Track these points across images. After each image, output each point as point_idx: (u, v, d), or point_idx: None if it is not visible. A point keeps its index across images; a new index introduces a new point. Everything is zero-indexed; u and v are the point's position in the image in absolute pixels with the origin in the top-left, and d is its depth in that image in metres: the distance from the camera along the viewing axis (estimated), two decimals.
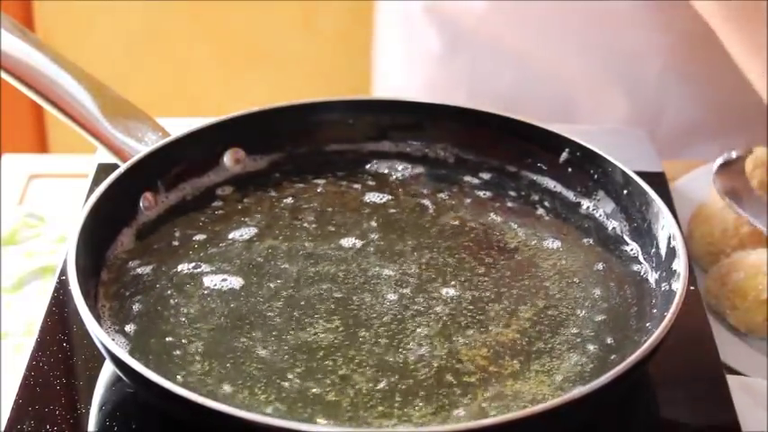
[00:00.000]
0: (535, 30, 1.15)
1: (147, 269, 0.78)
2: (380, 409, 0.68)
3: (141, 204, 0.82)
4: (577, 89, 1.16)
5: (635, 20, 1.11)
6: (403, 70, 1.27)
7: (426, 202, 0.85)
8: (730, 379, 0.75)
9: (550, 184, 0.86)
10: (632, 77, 1.15)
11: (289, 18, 1.97)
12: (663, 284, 0.76)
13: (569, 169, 0.86)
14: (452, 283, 0.77)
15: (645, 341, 0.68)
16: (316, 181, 0.87)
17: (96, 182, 0.88)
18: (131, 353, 0.70)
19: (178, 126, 0.85)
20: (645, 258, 0.79)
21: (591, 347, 0.73)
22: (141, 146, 0.83)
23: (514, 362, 0.71)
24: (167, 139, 0.84)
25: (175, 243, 0.81)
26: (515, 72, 1.17)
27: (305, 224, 0.82)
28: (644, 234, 0.80)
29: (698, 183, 0.99)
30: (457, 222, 0.83)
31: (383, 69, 1.31)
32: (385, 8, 1.29)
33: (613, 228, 0.82)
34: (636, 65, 1.14)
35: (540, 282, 0.78)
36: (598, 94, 1.15)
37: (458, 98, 1.18)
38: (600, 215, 0.84)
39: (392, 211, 0.84)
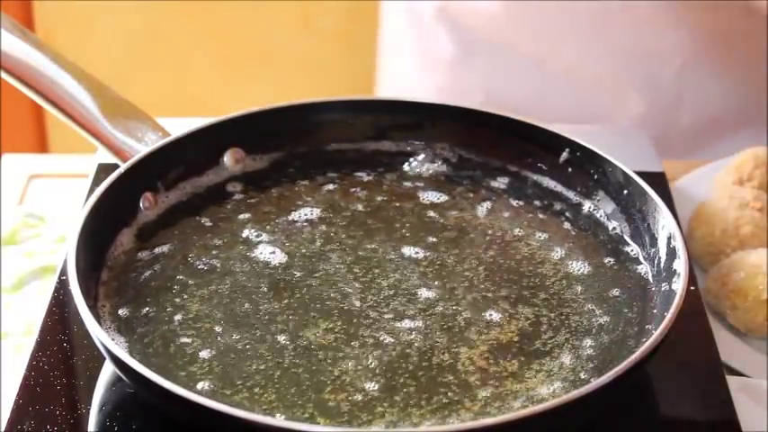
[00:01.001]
0: (550, 31, 1.14)
1: (165, 248, 0.79)
2: (380, 409, 0.68)
3: (141, 204, 0.82)
4: (594, 90, 1.15)
5: (652, 20, 1.11)
6: (413, 74, 1.25)
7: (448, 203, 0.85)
8: (730, 379, 0.75)
9: (551, 184, 0.86)
10: (649, 78, 1.14)
11: (289, 18, 1.97)
12: (663, 284, 0.76)
13: (569, 169, 0.86)
14: (451, 282, 0.77)
15: (645, 341, 0.68)
16: (359, 175, 0.88)
17: (96, 182, 0.88)
18: (131, 352, 0.70)
19: (178, 126, 0.85)
20: (645, 258, 0.79)
21: (591, 347, 0.73)
22: (141, 146, 0.83)
23: (514, 362, 0.71)
24: (167, 139, 0.84)
25: (208, 224, 0.82)
26: (531, 74, 1.16)
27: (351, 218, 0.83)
28: (644, 234, 0.80)
29: (698, 183, 0.99)
30: (461, 222, 0.83)
31: (391, 71, 1.30)
32: (392, 8, 1.28)
33: (614, 228, 0.82)
34: (653, 65, 1.13)
35: (542, 282, 0.78)
36: (615, 94, 1.15)
37: (472, 103, 1.17)
38: (600, 215, 0.84)
39: (454, 213, 0.84)
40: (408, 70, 1.26)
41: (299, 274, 0.77)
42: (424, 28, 1.21)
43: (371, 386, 0.69)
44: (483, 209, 0.85)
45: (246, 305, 0.75)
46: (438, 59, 1.21)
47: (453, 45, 1.19)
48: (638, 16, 1.11)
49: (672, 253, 0.76)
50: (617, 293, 0.77)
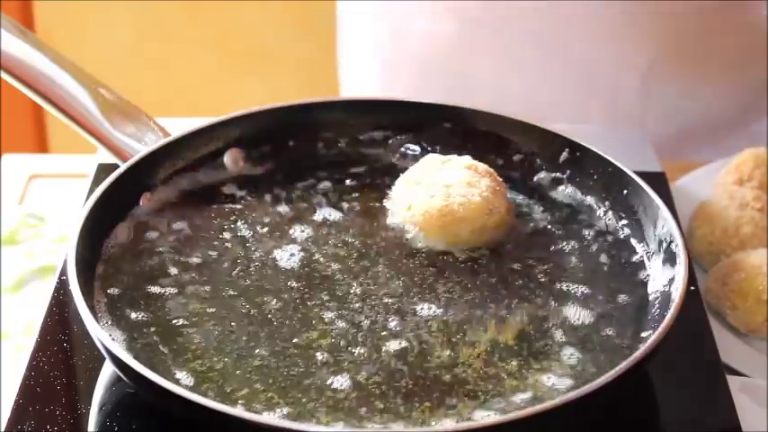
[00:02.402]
0: (512, 45, 1.13)
1: (163, 247, 0.79)
2: (380, 407, 0.68)
3: (141, 204, 0.82)
4: (556, 104, 1.14)
5: (613, 35, 1.10)
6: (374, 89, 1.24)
7: None
8: (730, 379, 0.75)
9: (550, 184, 0.86)
10: (611, 91, 1.14)
11: (289, 18, 1.97)
12: (663, 285, 0.75)
13: (569, 169, 0.86)
14: (451, 283, 0.77)
15: (645, 341, 0.68)
16: None
17: (96, 182, 0.88)
18: (131, 352, 0.70)
19: (178, 126, 0.85)
20: (645, 258, 0.79)
21: (591, 348, 0.72)
22: (141, 146, 0.83)
23: (513, 362, 0.71)
24: (167, 139, 0.84)
25: (207, 222, 0.82)
26: (491, 91, 1.15)
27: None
28: (644, 234, 0.80)
29: (698, 183, 0.99)
30: None
31: (352, 87, 1.29)
32: (348, 28, 1.27)
33: (614, 228, 0.82)
34: (614, 79, 1.13)
35: (539, 282, 0.78)
36: (577, 108, 1.14)
37: None
38: (600, 215, 0.83)
39: None
40: (370, 88, 1.25)
41: (305, 273, 0.78)
42: (382, 53, 1.20)
43: (372, 385, 0.69)
44: None
45: (244, 304, 0.75)
46: (397, 81, 1.20)
47: (411, 67, 1.18)
48: (597, 29, 1.10)
49: (672, 253, 0.76)
50: (616, 290, 0.77)
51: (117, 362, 0.67)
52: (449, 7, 1.13)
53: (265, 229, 0.82)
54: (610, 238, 0.82)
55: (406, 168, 0.85)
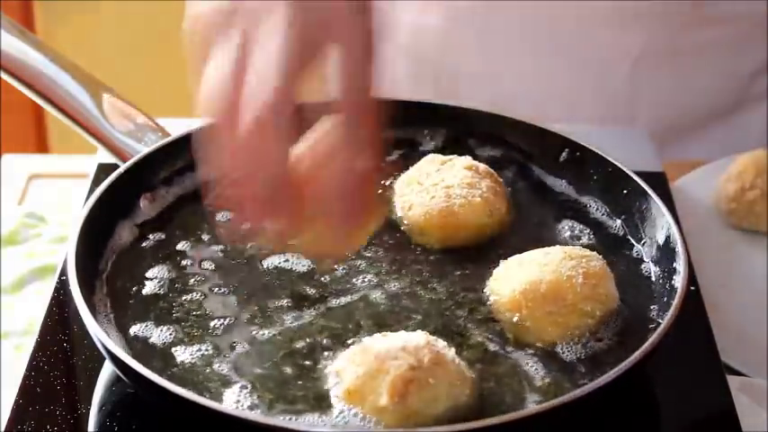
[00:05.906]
0: (500, 38, 1.13)
1: (162, 247, 0.79)
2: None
3: (141, 204, 0.82)
4: (546, 96, 1.14)
5: (603, 22, 1.10)
6: None
7: None
8: (730, 379, 0.75)
9: (550, 183, 0.86)
10: (601, 83, 1.13)
11: None
12: (663, 284, 0.76)
13: (569, 169, 0.86)
14: (451, 283, 0.77)
15: (644, 341, 0.68)
16: None
17: (96, 182, 0.88)
18: (131, 353, 0.70)
19: (178, 126, 0.85)
20: (645, 258, 0.79)
21: (591, 347, 0.72)
22: (141, 146, 0.83)
23: (510, 359, 0.71)
24: (167, 139, 0.84)
25: (205, 224, 0.81)
26: (483, 86, 1.14)
27: None
28: (644, 234, 0.80)
29: (698, 183, 0.99)
30: None
31: None
32: None
33: (614, 228, 0.82)
34: (604, 70, 1.13)
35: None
36: (568, 97, 1.14)
37: None
38: (600, 215, 0.83)
39: None
40: None
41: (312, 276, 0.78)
42: None
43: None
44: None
45: (247, 303, 0.75)
46: (387, 78, 1.19)
47: (398, 59, 1.17)
48: (586, 20, 1.10)
49: (672, 253, 0.76)
50: (616, 290, 0.77)
51: (117, 362, 0.67)
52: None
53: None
54: (609, 237, 0.82)
55: (407, 168, 0.85)
